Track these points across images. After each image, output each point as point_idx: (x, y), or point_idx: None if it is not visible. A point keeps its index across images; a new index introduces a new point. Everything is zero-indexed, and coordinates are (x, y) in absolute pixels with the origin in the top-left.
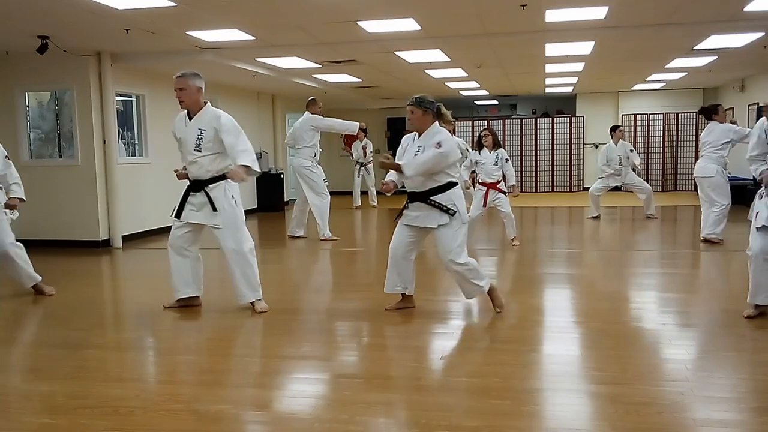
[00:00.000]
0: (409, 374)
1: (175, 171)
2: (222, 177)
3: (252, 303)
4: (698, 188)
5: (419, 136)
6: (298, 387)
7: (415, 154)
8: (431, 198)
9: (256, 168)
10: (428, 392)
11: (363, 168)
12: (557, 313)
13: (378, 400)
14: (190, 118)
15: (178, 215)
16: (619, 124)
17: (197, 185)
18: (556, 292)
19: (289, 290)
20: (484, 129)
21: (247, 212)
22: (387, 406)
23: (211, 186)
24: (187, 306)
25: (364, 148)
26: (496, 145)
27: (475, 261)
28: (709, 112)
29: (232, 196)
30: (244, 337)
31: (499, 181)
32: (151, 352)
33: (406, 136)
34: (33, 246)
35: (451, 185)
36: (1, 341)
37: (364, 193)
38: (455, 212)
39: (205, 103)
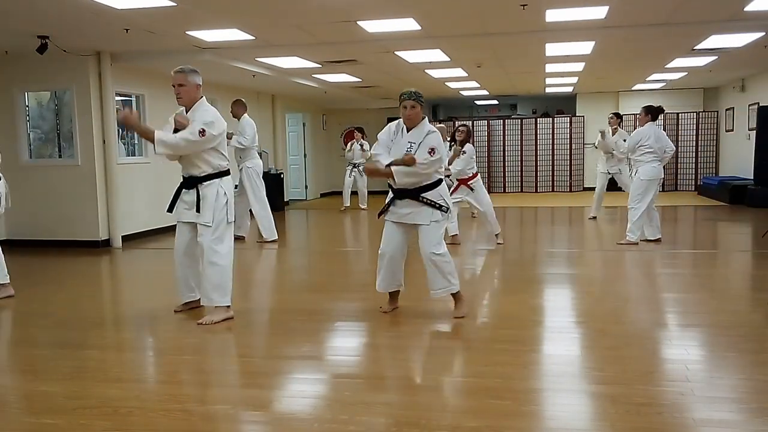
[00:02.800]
0: (409, 374)
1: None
2: (216, 175)
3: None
4: (652, 190)
5: (407, 130)
6: (298, 387)
7: (408, 150)
8: (422, 195)
9: (158, 149)
10: (428, 392)
11: (355, 168)
12: (557, 313)
13: (378, 400)
14: (187, 113)
15: (170, 209)
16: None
17: (190, 182)
18: (556, 292)
19: (289, 290)
20: (462, 124)
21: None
22: (387, 406)
23: (204, 184)
24: (193, 308)
25: (362, 146)
26: (466, 141)
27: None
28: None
29: (225, 193)
30: (244, 337)
31: (470, 177)
32: (151, 352)
33: (390, 125)
34: (33, 246)
35: (440, 182)
36: (1, 341)
37: (354, 194)
38: (448, 208)
39: (201, 98)
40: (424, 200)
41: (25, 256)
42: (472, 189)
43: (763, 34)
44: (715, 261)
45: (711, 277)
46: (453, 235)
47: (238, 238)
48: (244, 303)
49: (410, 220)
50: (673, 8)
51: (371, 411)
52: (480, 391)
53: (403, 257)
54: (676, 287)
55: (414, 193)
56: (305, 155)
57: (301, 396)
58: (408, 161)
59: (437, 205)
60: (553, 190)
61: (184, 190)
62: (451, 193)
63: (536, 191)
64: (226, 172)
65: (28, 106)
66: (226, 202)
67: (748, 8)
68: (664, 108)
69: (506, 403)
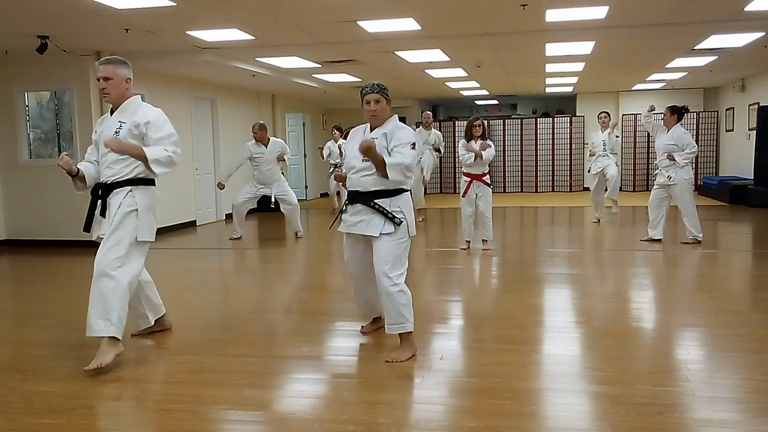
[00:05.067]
0: (409, 374)
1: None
2: (130, 182)
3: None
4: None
5: (371, 129)
6: (298, 387)
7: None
8: (375, 201)
9: (156, 168)
10: (428, 392)
11: (338, 169)
12: (557, 313)
13: (378, 400)
14: (112, 114)
15: (87, 228)
16: (608, 112)
17: (103, 190)
18: (556, 292)
19: (289, 290)
20: (475, 118)
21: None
22: (387, 406)
23: (115, 191)
24: (155, 332)
25: (339, 147)
26: (482, 136)
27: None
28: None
29: (135, 210)
30: (244, 337)
31: (484, 174)
32: (151, 352)
33: (353, 131)
34: (32, 246)
35: (402, 191)
36: (1, 341)
37: (337, 194)
38: (401, 221)
39: (134, 95)
40: (377, 207)
41: (25, 256)
42: (488, 184)
43: (763, 34)
44: (715, 261)
45: (711, 277)
46: (484, 240)
47: (238, 239)
48: (244, 303)
49: (359, 230)
50: (673, 8)
51: (371, 411)
52: (480, 391)
53: (372, 279)
54: (676, 287)
55: (366, 198)
56: (305, 155)
57: (301, 396)
58: (366, 148)
59: (390, 215)
60: (553, 190)
61: (99, 201)
62: (464, 192)
63: (536, 191)
64: (146, 180)
65: (28, 106)
66: (134, 212)
67: (748, 8)
68: (688, 107)
69: (506, 403)
